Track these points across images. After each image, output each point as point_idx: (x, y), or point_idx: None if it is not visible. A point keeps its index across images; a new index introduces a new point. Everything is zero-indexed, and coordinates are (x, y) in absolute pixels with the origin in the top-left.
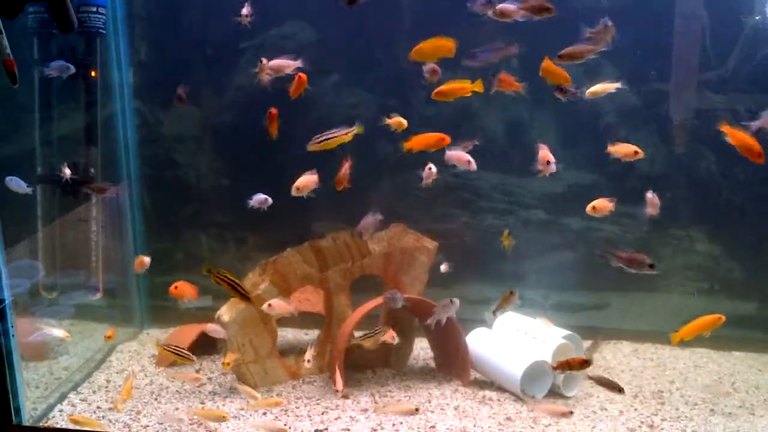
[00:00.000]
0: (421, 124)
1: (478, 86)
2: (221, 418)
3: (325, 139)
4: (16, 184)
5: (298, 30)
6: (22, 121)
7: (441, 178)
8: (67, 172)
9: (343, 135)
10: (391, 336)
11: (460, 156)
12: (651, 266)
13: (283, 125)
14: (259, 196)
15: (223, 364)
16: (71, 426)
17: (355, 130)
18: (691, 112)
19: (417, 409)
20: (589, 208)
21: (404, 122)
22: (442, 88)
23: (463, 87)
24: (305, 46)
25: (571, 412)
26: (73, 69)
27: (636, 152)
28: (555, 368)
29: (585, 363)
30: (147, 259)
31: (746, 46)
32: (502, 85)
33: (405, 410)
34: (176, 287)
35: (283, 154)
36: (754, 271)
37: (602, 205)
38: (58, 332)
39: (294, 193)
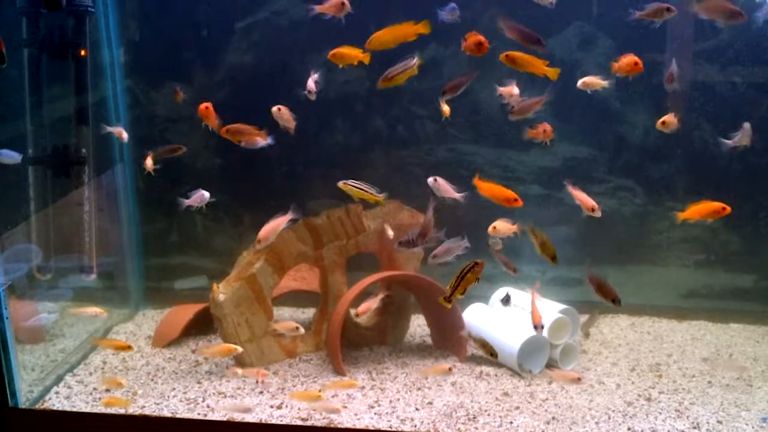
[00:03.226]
0: (415, 99)
1: (366, 58)
2: (316, 398)
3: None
4: (5, 156)
5: (290, 6)
6: (12, 102)
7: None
8: (123, 133)
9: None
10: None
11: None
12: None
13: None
14: None
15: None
16: (68, 408)
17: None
18: (685, 83)
19: (450, 369)
20: (490, 228)
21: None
22: (339, 50)
23: (351, 54)
24: (297, 22)
25: (580, 378)
26: None
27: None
28: None
29: None
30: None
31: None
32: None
33: (440, 370)
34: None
35: (277, 133)
36: (752, 243)
37: (503, 226)
38: (92, 310)
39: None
